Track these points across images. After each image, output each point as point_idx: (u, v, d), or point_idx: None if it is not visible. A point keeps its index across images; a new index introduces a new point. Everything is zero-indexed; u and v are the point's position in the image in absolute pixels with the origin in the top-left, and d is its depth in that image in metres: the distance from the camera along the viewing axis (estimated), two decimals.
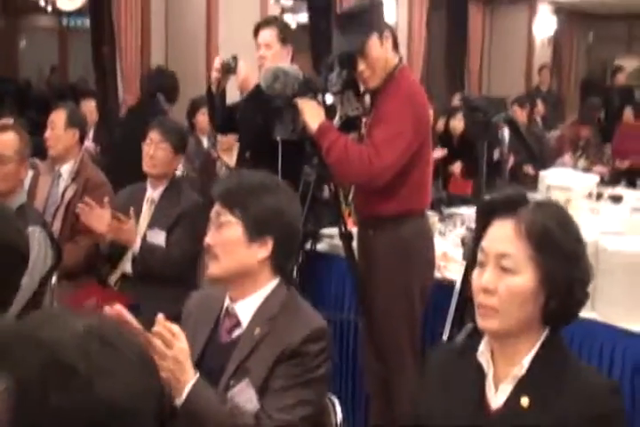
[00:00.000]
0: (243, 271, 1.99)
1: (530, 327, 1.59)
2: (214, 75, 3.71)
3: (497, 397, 1.60)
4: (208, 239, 2.00)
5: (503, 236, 1.57)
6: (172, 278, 3.64)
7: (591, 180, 5.31)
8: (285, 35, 3.74)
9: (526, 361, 1.59)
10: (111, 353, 0.88)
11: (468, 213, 4.96)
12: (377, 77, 3.05)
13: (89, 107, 6.96)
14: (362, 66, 3.02)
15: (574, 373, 1.58)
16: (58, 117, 4.20)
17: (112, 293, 3.70)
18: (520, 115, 8.50)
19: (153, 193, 3.87)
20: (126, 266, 3.77)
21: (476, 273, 1.61)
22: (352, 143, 3.02)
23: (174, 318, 3.39)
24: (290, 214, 2.02)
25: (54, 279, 3.24)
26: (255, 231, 1.96)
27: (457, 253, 3.87)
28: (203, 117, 6.24)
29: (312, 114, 3.01)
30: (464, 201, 6.45)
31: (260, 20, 7.93)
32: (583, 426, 1.50)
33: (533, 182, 6.83)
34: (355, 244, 3.28)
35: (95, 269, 3.91)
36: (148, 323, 1.84)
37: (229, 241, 1.97)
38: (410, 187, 3.07)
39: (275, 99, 3.02)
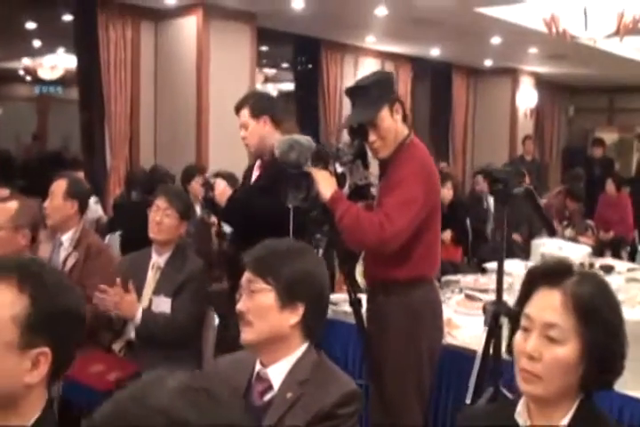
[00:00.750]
0: (275, 337, 2.03)
1: (567, 393, 1.66)
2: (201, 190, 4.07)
3: None
4: (240, 306, 2.05)
5: (550, 306, 1.64)
6: (176, 343, 3.66)
7: (582, 250, 5.44)
8: (257, 108, 3.88)
9: (563, 423, 1.65)
10: (213, 400, 0.94)
11: (464, 279, 5.05)
12: (388, 148, 3.16)
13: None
14: (373, 137, 3.13)
15: None
16: (58, 188, 4.17)
17: (117, 359, 3.71)
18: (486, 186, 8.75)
19: (158, 259, 3.92)
20: (130, 333, 3.79)
21: (519, 338, 1.68)
22: (363, 210, 3.11)
23: None
24: (319, 278, 2.08)
25: None
26: (287, 297, 2.02)
27: (459, 320, 3.95)
28: (196, 185, 6.36)
29: (325, 183, 3.10)
30: (455, 267, 6.57)
31: (247, 87, 8.16)
32: None
33: (522, 250, 6.97)
34: (363, 309, 3.33)
35: (96, 336, 3.90)
36: None
37: (262, 308, 2.02)
38: (420, 253, 3.14)
39: (288, 168, 3.11)
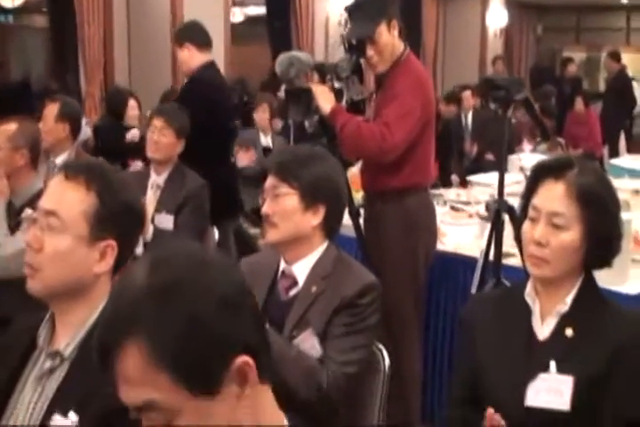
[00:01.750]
0: (299, 236, 2.21)
1: (572, 273, 1.87)
2: None
3: (543, 329, 1.88)
4: (266, 209, 2.21)
5: (555, 196, 1.84)
6: None
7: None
8: (178, 37, 4.50)
9: (569, 299, 1.86)
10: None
11: (447, 193, 5.25)
12: (385, 63, 3.30)
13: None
14: (371, 52, 3.26)
15: (613, 307, 1.87)
16: (49, 111, 4.25)
17: None
18: (472, 100, 8.93)
19: (157, 178, 4.04)
20: (136, 249, 3.93)
21: (527, 227, 1.89)
22: (364, 122, 3.27)
23: None
24: (338, 181, 2.25)
25: None
26: (309, 199, 2.18)
27: (446, 229, 4.13)
28: None
29: (324, 97, 3.26)
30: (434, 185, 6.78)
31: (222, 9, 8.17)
32: (624, 352, 1.78)
33: (494, 168, 7.19)
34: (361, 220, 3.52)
35: None
36: None
37: (287, 210, 2.19)
38: (414, 163, 3.32)
39: (289, 84, 3.24)
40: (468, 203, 4.79)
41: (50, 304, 1.67)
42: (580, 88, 11.47)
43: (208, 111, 4.29)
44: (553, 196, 1.84)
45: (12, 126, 3.52)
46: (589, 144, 9.08)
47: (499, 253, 2.83)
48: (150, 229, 3.81)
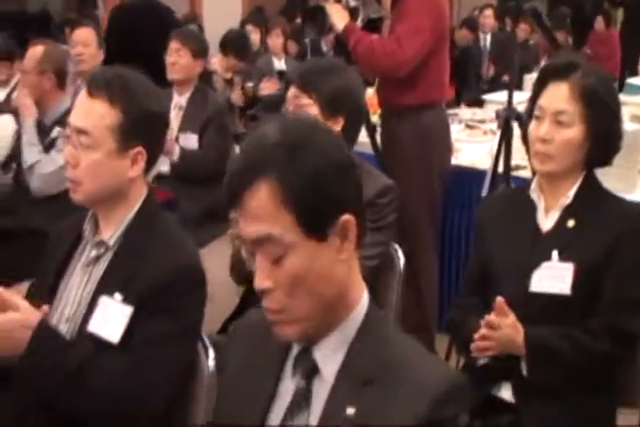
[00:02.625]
0: None
1: (574, 169, 2.01)
2: None
3: (547, 221, 2.03)
4: None
5: (559, 95, 1.97)
6: (207, 178, 3.96)
7: None
8: None
9: (571, 193, 2.01)
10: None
11: (462, 112, 5.33)
12: None
13: None
14: None
15: (614, 200, 2.02)
16: (90, 35, 4.39)
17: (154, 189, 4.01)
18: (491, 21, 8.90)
19: (180, 99, 4.17)
20: (161, 166, 4.07)
21: (533, 126, 2.02)
22: (376, 38, 3.36)
23: (209, 211, 3.71)
24: (357, 93, 2.36)
25: None
26: (329, 110, 2.29)
27: (460, 145, 4.23)
28: None
29: (338, 15, 3.34)
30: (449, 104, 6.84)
31: None
32: (623, 239, 1.93)
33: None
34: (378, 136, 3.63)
35: None
36: None
37: None
38: (429, 79, 3.41)
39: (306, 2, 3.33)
40: (482, 121, 4.89)
41: (93, 208, 1.84)
42: (602, 8, 11.32)
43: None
44: (557, 95, 1.97)
45: (38, 50, 3.64)
46: (609, 64, 9.06)
47: (508, 159, 2.97)
48: (177, 149, 3.93)
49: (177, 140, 4.03)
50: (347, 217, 1.22)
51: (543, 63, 8.26)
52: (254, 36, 6.64)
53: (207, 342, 1.80)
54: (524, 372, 1.96)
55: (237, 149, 4.32)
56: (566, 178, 2.02)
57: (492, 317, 1.92)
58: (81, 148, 1.76)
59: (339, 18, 3.34)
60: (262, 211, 1.19)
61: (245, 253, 1.20)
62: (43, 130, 3.42)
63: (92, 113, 1.76)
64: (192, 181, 3.94)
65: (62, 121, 3.36)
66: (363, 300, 1.29)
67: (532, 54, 8.73)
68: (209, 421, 1.60)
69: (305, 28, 3.40)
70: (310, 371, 1.26)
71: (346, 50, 3.39)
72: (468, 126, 4.69)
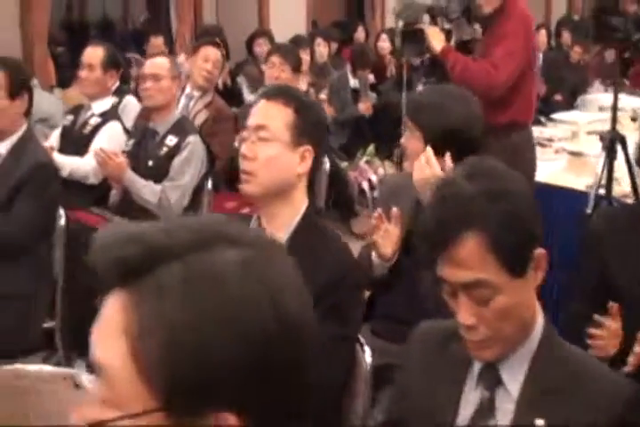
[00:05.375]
0: None
1: None
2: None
3: None
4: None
5: None
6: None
7: (635, 101, 5.83)
8: None
9: None
10: None
11: None
12: (492, 3, 3.55)
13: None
14: None
15: None
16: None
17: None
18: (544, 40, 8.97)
19: None
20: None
21: None
22: (473, 61, 3.55)
23: None
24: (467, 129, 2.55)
25: (210, 184, 3.76)
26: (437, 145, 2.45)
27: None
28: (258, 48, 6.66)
29: (436, 37, 3.54)
30: None
31: None
32: None
33: (563, 108, 7.34)
34: None
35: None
36: None
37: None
38: (519, 100, 3.59)
39: (407, 25, 3.54)
40: (551, 139, 5.07)
41: (261, 209, 2.02)
42: None
43: None
44: None
45: (163, 57, 3.84)
46: None
47: (610, 180, 3.14)
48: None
49: None
50: (539, 250, 1.38)
51: (597, 85, 8.42)
52: (322, 49, 6.84)
53: (362, 339, 1.97)
54: None
55: None
56: None
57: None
58: (259, 142, 1.97)
59: (437, 40, 3.54)
60: (470, 258, 1.33)
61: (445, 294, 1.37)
62: (154, 137, 3.60)
63: (271, 112, 1.99)
64: None
65: (175, 130, 3.57)
66: (540, 317, 1.44)
67: (584, 75, 8.86)
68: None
69: (405, 49, 3.60)
70: (495, 384, 1.41)
71: (439, 70, 3.60)
72: (540, 145, 4.86)
